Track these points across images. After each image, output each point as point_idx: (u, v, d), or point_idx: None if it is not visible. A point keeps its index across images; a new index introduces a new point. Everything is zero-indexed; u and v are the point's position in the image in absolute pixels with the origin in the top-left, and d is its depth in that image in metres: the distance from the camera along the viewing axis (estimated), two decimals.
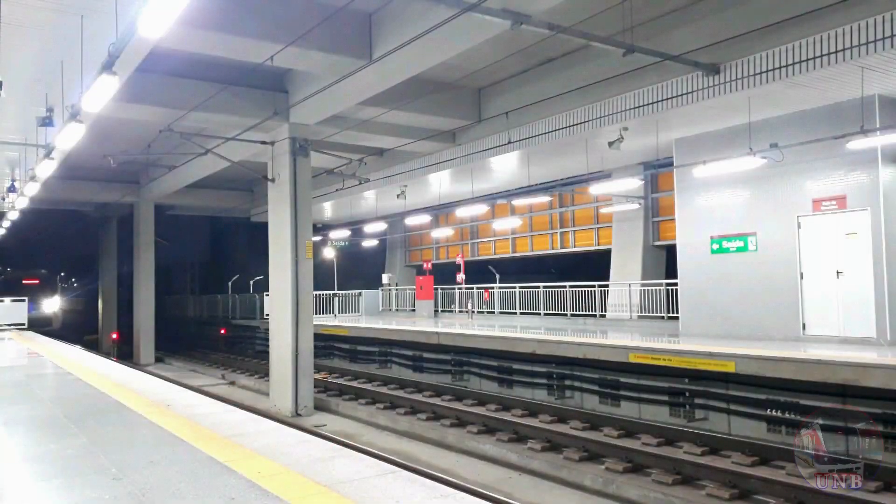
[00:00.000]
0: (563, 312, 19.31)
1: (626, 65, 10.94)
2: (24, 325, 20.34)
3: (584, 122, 13.01)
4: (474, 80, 14.26)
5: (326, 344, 21.01)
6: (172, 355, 26.79)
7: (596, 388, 12.79)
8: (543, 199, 19.82)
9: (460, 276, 22.59)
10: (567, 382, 13.41)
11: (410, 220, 23.98)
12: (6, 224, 24.15)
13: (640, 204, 18.45)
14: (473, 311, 22.01)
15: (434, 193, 21.33)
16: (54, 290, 37.29)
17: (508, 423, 11.18)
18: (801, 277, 12.39)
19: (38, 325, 29.19)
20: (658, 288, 16.84)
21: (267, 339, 15.34)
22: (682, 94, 11.25)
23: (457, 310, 23.16)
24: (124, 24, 7.18)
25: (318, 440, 4.94)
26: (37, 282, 36.27)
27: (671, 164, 14.87)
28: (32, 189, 15.77)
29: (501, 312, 21.75)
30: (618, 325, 17.29)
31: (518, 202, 21.31)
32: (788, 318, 12.43)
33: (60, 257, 42.55)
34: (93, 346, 28.28)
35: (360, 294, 26.85)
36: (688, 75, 11.06)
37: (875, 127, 10.51)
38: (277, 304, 14.61)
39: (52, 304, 36.07)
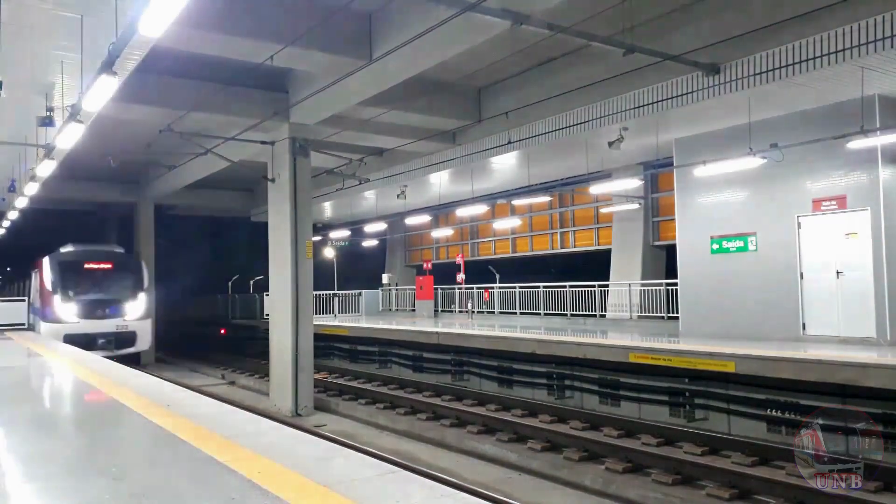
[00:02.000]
0: (563, 312, 19.30)
1: (626, 65, 10.93)
2: (23, 325, 20.27)
3: (584, 122, 13.01)
4: (474, 80, 14.26)
5: (326, 344, 21.00)
6: (172, 355, 26.78)
7: (596, 388, 12.79)
8: (543, 199, 19.83)
9: (460, 276, 22.59)
10: (567, 382, 13.41)
11: (410, 220, 23.97)
12: (6, 224, 24.12)
13: (640, 204, 18.46)
14: (473, 311, 22.01)
15: (434, 193, 21.33)
16: (139, 281, 21.05)
17: (508, 423, 11.18)
18: (801, 277, 12.39)
19: (114, 345, 19.10)
20: (658, 288, 16.84)
21: (267, 339, 15.35)
22: (682, 94, 11.24)
23: (457, 310, 23.16)
24: (124, 24, 7.17)
25: (318, 440, 4.93)
26: (108, 266, 20.87)
27: (671, 164, 14.87)
28: (32, 189, 15.75)
29: (501, 312, 21.75)
30: (618, 325, 17.29)
31: (518, 202, 21.32)
32: (788, 318, 12.42)
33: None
34: None
35: (360, 294, 26.84)
36: (688, 75, 11.06)
37: (875, 127, 10.50)
38: (277, 304, 14.61)
39: (136, 308, 20.45)
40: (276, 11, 10.27)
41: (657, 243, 18.87)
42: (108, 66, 7.62)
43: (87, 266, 20.41)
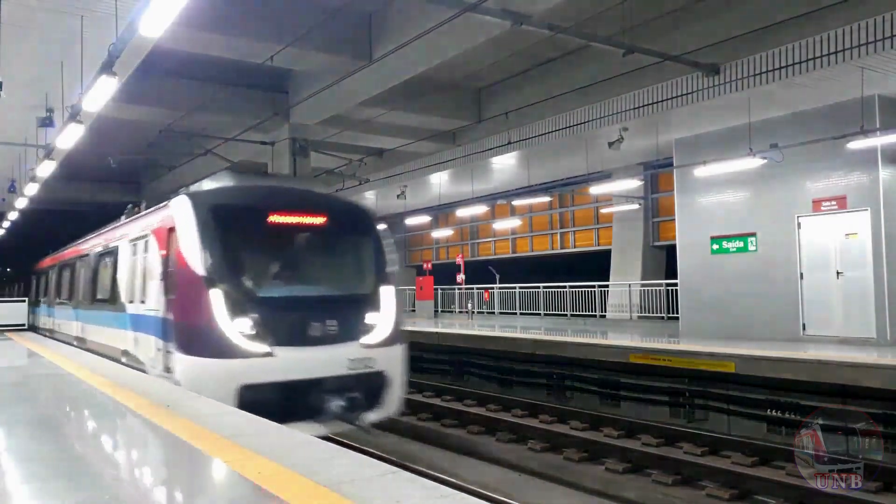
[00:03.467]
0: (563, 313, 19.30)
1: (626, 65, 10.94)
2: (24, 325, 20.24)
3: (584, 122, 13.02)
4: (474, 80, 14.27)
5: None
6: None
7: (596, 388, 12.78)
8: (543, 199, 19.83)
9: (460, 277, 22.59)
10: (567, 383, 13.40)
11: (410, 221, 23.97)
12: (5, 224, 24.13)
13: (640, 204, 18.46)
14: (473, 312, 22.01)
15: (434, 194, 21.34)
16: (380, 255, 9.15)
17: (508, 423, 11.17)
18: (801, 277, 12.39)
19: (363, 404, 8.32)
20: (658, 288, 16.85)
21: None
22: (682, 95, 11.25)
23: (457, 310, 23.16)
24: (124, 25, 7.18)
25: (318, 440, 4.92)
26: (320, 222, 8.87)
27: (671, 165, 14.88)
28: (32, 189, 15.76)
29: (501, 313, 21.75)
30: (618, 325, 17.29)
31: (518, 202, 21.33)
32: (788, 318, 12.43)
33: None
34: None
35: None
36: (688, 76, 11.07)
37: (875, 127, 10.52)
38: None
39: (384, 320, 8.63)
40: (276, 12, 10.28)
41: (657, 243, 18.87)
42: (108, 67, 7.62)
43: (273, 220, 8.69)
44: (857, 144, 10.78)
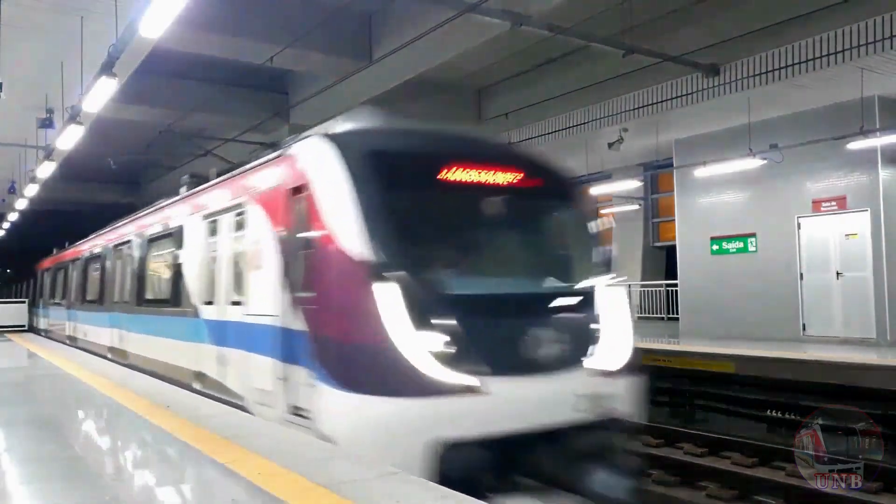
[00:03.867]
0: None
1: (626, 66, 10.95)
2: (24, 326, 20.23)
3: (584, 122, 13.02)
4: (474, 80, 14.27)
5: None
6: None
7: None
8: None
9: None
10: None
11: None
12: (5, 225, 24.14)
13: (639, 205, 18.46)
14: None
15: None
16: (593, 226, 6.65)
17: None
18: (801, 278, 12.38)
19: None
20: (658, 288, 16.84)
21: None
22: (681, 95, 11.25)
23: None
24: (124, 25, 7.18)
25: (318, 441, 4.92)
26: (527, 183, 6.18)
27: (671, 165, 14.88)
28: (32, 190, 15.76)
29: None
30: None
31: None
32: (788, 319, 12.42)
33: None
34: None
35: None
36: (687, 76, 11.07)
37: (875, 127, 10.52)
38: None
39: (620, 331, 5.73)
40: (276, 12, 10.29)
41: (657, 244, 18.87)
42: (108, 68, 7.63)
43: (466, 178, 5.64)
44: (856, 145, 10.78)
